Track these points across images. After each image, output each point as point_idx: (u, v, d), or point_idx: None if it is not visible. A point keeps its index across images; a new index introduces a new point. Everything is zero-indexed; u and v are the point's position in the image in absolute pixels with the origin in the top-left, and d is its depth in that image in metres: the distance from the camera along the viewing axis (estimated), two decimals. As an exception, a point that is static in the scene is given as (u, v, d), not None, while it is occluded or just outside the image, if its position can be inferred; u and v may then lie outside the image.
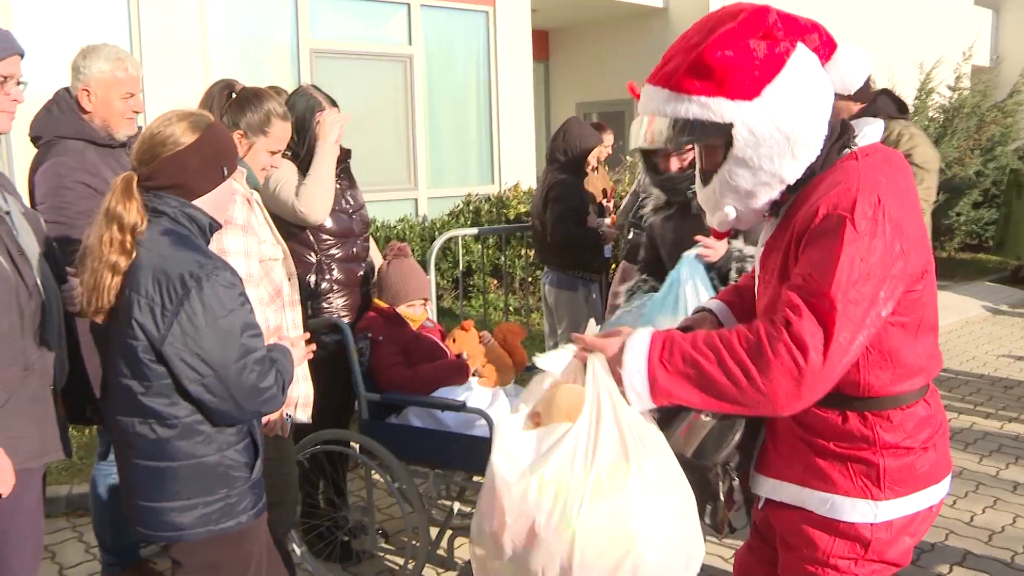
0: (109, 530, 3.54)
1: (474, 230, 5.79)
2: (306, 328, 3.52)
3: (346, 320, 3.61)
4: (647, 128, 1.96)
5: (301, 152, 3.53)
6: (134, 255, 2.11)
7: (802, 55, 1.85)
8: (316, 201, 3.43)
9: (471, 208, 9.01)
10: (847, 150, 1.87)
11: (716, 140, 1.87)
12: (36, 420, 2.37)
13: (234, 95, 3.02)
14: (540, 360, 1.96)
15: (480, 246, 7.78)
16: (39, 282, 2.38)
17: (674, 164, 3.25)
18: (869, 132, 1.92)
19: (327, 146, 3.51)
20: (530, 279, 8.20)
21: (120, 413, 2.19)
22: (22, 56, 2.47)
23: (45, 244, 2.48)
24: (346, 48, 8.95)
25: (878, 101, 4.71)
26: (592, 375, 1.84)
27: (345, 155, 3.70)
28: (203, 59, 7.71)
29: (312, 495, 3.80)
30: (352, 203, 3.76)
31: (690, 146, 2.84)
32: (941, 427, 1.95)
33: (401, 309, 3.67)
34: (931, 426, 1.90)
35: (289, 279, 3.18)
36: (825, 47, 1.90)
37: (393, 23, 9.37)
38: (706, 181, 1.97)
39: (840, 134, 1.88)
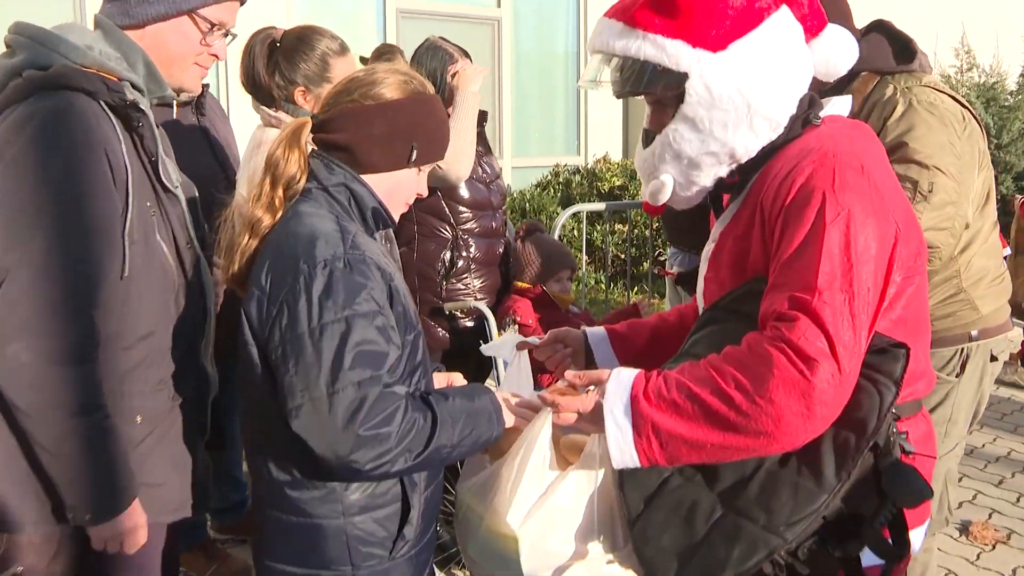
0: None
1: (600, 205, 5.37)
2: (439, 313, 3.19)
3: (484, 304, 3.23)
4: (588, 67, 1.76)
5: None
6: (279, 216, 1.71)
7: (784, 18, 1.63)
8: (459, 156, 2.98)
9: (560, 180, 8.60)
10: (810, 125, 1.65)
11: (667, 92, 1.64)
12: (178, 465, 1.91)
13: (278, 44, 2.65)
14: (485, 348, 1.92)
15: (573, 221, 7.37)
16: (205, 284, 1.97)
17: None
18: (836, 104, 1.73)
19: (469, 95, 3.10)
20: (622, 255, 7.77)
21: (244, 436, 1.80)
22: (242, 3, 1.96)
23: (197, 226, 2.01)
24: (433, 9, 8.58)
25: (868, 40, 2.57)
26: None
27: (482, 117, 3.30)
28: (286, 18, 7.37)
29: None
30: (489, 171, 3.37)
31: None
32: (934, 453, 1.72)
33: (549, 288, 3.29)
34: (931, 445, 1.69)
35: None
36: (813, 20, 1.67)
37: (482, -16, 8.96)
38: (647, 143, 1.73)
39: (806, 108, 1.66)
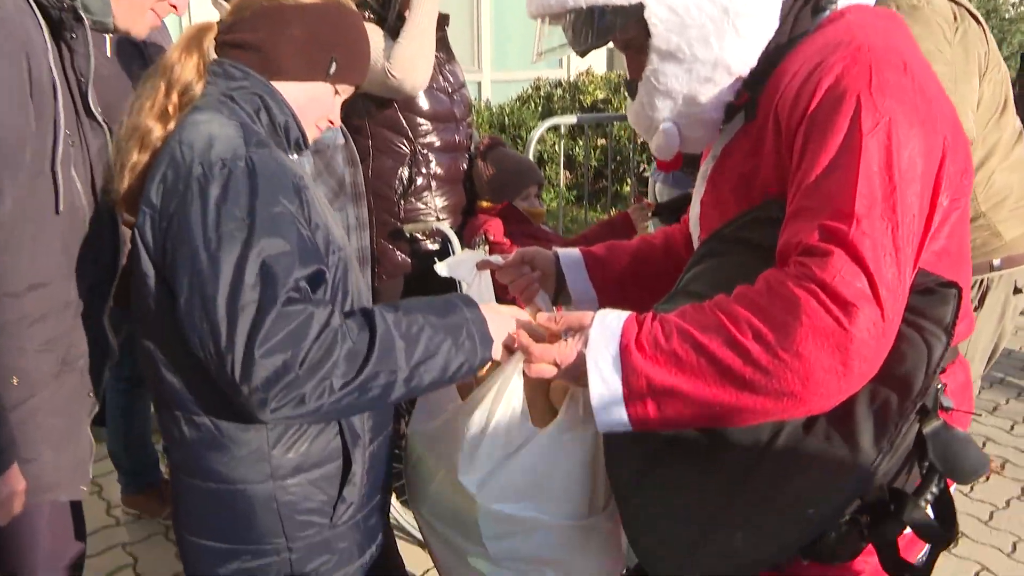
0: (123, 449, 3.13)
1: (573, 118, 5.04)
2: (398, 235, 2.92)
3: (447, 224, 2.96)
4: (537, 38, 1.52)
5: (389, 15, 2.81)
6: (172, 125, 1.43)
7: None
8: (414, 62, 2.67)
9: (541, 94, 8.24)
10: (825, 13, 1.36)
11: (629, 32, 1.39)
12: (55, 441, 1.64)
13: None
14: (440, 267, 1.72)
15: (552, 135, 7.05)
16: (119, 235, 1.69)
17: None
18: None
19: None
20: (602, 170, 7.47)
21: (151, 391, 1.52)
22: None
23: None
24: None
25: None
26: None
27: (443, 21, 2.98)
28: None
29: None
30: (452, 80, 3.06)
31: None
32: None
33: (517, 204, 3.02)
34: (969, 397, 1.43)
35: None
36: None
37: None
38: (633, 94, 1.48)
39: None
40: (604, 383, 1.23)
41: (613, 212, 6.21)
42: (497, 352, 1.39)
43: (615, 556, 1.55)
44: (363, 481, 1.53)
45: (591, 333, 1.26)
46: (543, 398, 1.57)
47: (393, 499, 3.00)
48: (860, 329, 1.11)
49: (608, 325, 1.26)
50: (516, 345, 1.36)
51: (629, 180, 6.85)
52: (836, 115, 1.19)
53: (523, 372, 1.35)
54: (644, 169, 6.17)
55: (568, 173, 7.69)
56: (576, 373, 1.28)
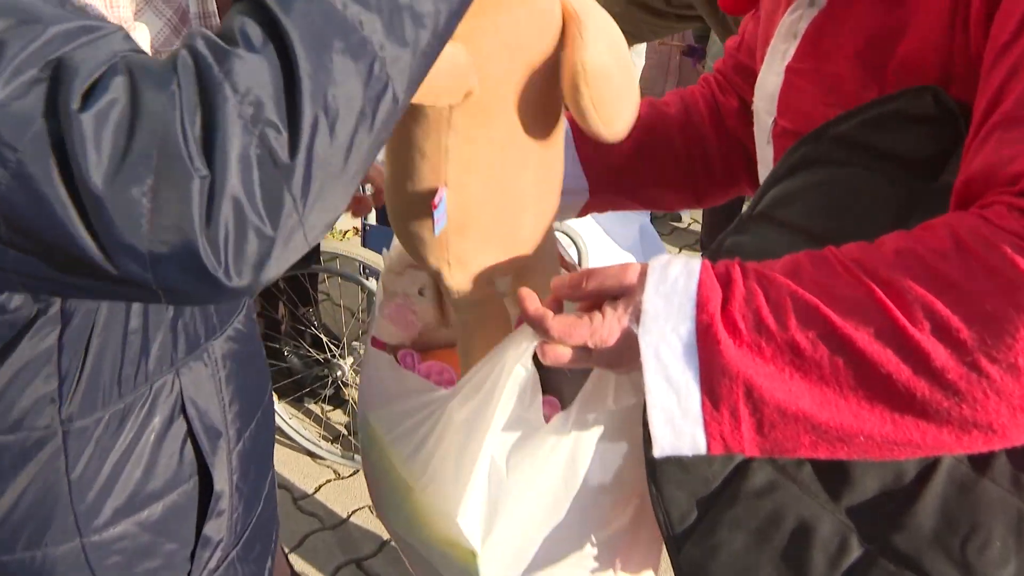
0: None
1: None
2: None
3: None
4: None
5: None
6: None
7: None
8: None
9: None
10: None
11: None
12: None
13: None
14: None
15: None
16: None
17: None
18: None
19: None
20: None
21: None
22: None
23: None
24: None
25: None
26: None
27: None
28: None
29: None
30: None
31: None
32: None
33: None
34: None
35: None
36: None
37: None
38: None
39: None
40: (670, 387, 0.72)
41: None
42: None
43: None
44: (234, 503, 0.99)
45: (645, 299, 0.73)
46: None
47: (276, 403, 2.48)
48: None
49: (673, 284, 0.73)
50: (526, 316, 0.81)
51: None
52: None
53: (535, 356, 0.82)
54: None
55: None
56: (619, 360, 0.77)
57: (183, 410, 0.91)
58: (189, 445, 0.93)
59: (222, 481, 0.96)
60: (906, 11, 0.79)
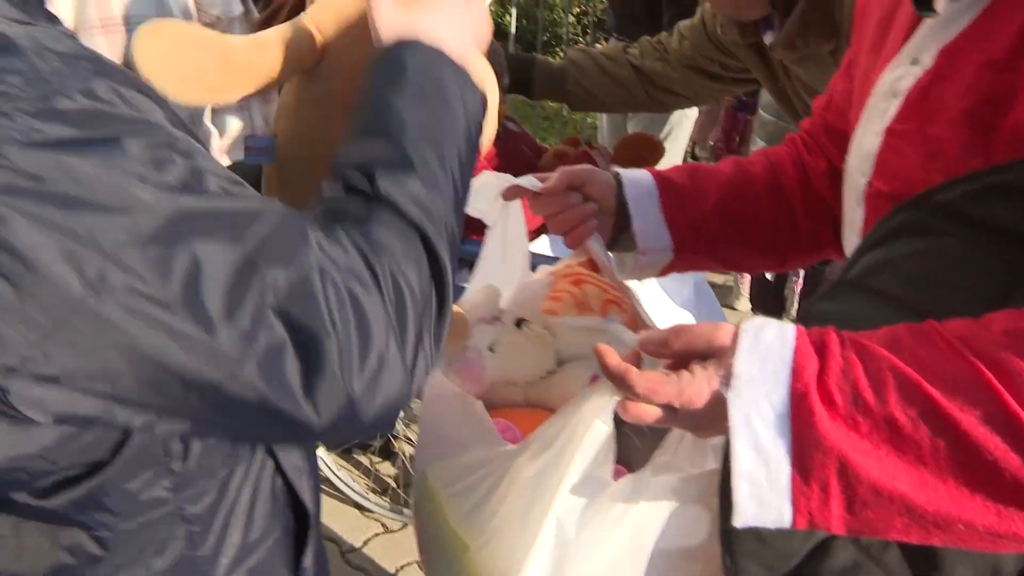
0: None
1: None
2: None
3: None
4: None
5: None
6: None
7: None
8: None
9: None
10: None
11: None
12: None
13: None
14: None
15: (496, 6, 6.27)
16: None
17: None
18: None
19: None
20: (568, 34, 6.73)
21: None
22: None
23: None
24: None
25: None
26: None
27: None
28: None
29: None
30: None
31: None
32: None
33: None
34: None
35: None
36: None
37: None
38: None
39: None
40: (759, 456, 0.68)
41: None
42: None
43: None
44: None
45: (738, 362, 0.70)
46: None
47: (323, 454, 2.45)
48: None
49: (768, 349, 0.70)
50: (607, 371, 0.77)
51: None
52: None
53: (615, 413, 0.78)
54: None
55: (516, 45, 6.95)
56: (705, 423, 0.75)
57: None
58: (272, 481, 0.90)
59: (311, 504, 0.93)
60: (1015, 75, 0.75)
